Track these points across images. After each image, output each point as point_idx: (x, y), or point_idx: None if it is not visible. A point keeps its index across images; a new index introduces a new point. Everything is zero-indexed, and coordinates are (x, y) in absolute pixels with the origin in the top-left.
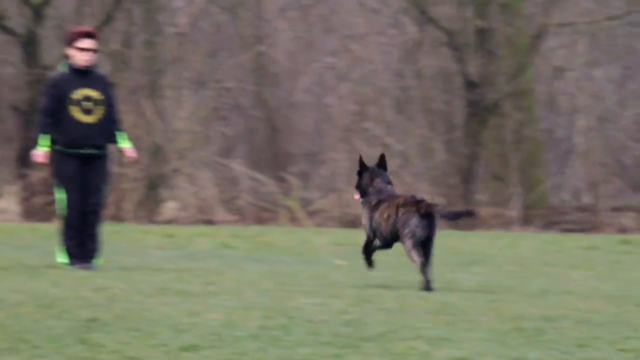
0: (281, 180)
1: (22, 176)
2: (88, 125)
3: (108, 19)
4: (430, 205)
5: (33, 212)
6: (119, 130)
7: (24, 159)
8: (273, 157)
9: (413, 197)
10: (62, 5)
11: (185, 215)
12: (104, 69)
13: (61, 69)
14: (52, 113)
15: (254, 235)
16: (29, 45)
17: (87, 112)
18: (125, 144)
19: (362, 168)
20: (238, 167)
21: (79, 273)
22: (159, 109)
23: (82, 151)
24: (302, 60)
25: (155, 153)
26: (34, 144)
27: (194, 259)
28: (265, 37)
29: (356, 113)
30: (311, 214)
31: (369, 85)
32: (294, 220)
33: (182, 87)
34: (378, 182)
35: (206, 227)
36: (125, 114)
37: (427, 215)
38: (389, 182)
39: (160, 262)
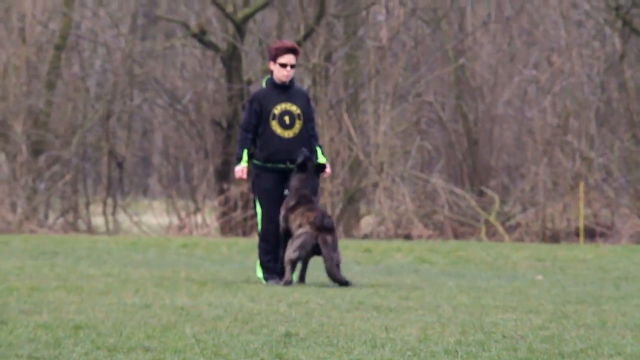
0: (480, 194)
1: (221, 191)
2: (287, 140)
3: (309, 34)
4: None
5: (231, 227)
6: (317, 145)
7: (223, 174)
8: (472, 171)
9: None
10: (264, 20)
11: (383, 229)
12: (305, 83)
13: (264, 84)
14: (253, 128)
15: (451, 249)
16: (231, 60)
17: (287, 126)
18: (321, 160)
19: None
20: (437, 181)
21: (276, 288)
22: (358, 123)
23: (280, 166)
24: (503, 73)
25: (354, 167)
26: (233, 158)
27: (390, 273)
28: (467, 50)
29: (558, 126)
30: (510, 229)
31: (571, 98)
32: (492, 234)
33: (381, 101)
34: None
35: (403, 241)
36: (325, 128)
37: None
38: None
39: (357, 276)
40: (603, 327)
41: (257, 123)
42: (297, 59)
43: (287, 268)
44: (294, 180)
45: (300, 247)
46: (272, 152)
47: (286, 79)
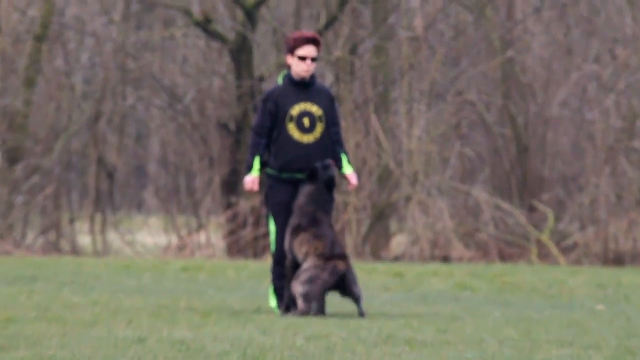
0: (531, 209)
1: (229, 205)
2: (306, 145)
3: (331, 22)
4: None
5: (240, 248)
6: (341, 151)
7: (231, 186)
8: (522, 183)
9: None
10: (278, 6)
11: (417, 250)
12: (326, 80)
13: (280, 80)
14: (267, 132)
15: (497, 274)
16: (240, 52)
17: (306, 130)
18: (347, 169)
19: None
20: (480, 194)
21: (291, 319)
22: (388, 126)
23: (298, 176)
24: (558, 69)
25: (383, 178)
26: (243, 168)
27: (426, 302)
28: (516, 41)
29: (622, 130)
30: (566, 250)
31: (639, 96)
32: (545, 256)
33: (416, 101)
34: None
35: (441, 264)
36: (350, 132)
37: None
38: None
39: (386, 305)
40: None
41: (271, 126)
42: (318, 51)
43: (299, 300)
44: (300, 196)
45: (309, 280)
46: (289, 159)
47: (306, 74)
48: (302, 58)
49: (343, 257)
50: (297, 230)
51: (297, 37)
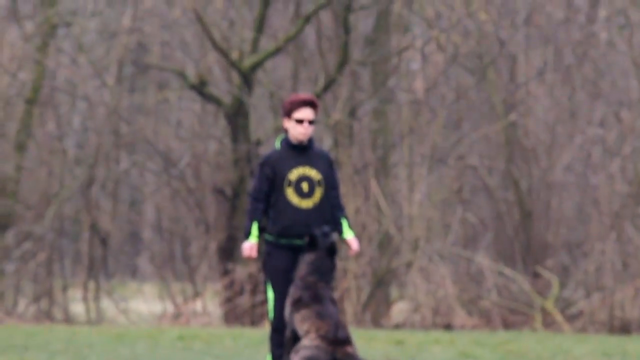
0: (535, 276)
1: (225, 272)
2: (305, 211)
3: (330, 84)
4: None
5: (237, 315)
6: (342, 216)
7: (227, 252)
8: (525, 249)
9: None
10: (275, 69)
11: (418, 318)
12: (325, 144)
13: (277, 144)
14: (264, 197)
15: (501, 342)
16: (237, 116)
17: (305, 195)
18: (348, 234)
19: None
20: (483, 260)
21: None
22: (389, 191)
23: (297, 242)
24: (562, 132)
25: (384, 244)
26: (240, 233)
27: None
28: (519, 104)
29: (628, 195)
30: (572, 318)
31: None
32: (550, 324)
33: (417, 165)
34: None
35: (443, 332)
36: (349, 197)
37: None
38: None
39: None
40: None
41: (269, 191)
42: (316, 114)
43: None
44: (301, 265)
45: (309, 359)
46: (287, 225)
47: (304, 138)
48: (300, 121)
49: (347, 342)
50: (298, 304)
51: (294, 100)
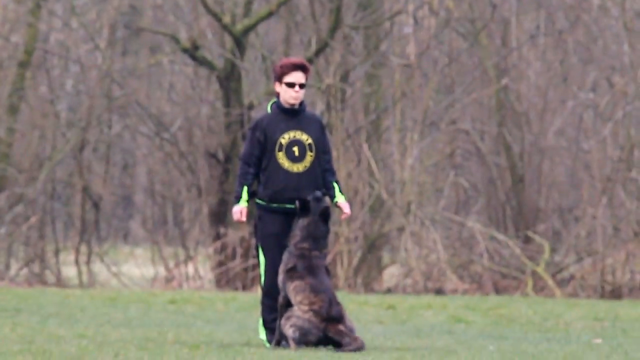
0: (527, 241)
1: (217, 236)
2: (296, 175)
3: (322, 49)
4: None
5: (229, 279)
6: (333, 180)
7: (219, 216)
8: (517, 214)
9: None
10: (268, 33)
11: (410, 282)
12: (317, 108)
13: (269, 108)
14: (255, 161)
15: (492, 307)
16: (229, 80)
17: (296, 159)
18: (339, 198)
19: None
20: (474, 225)
21: (282, 352)
22: (381, 155)
23: (288, 206)
24: (554, 97)
25: (375, 208)
26: (231, 197)
27: (419, 335)
28: (511, 68)
29: (620, 160)
30: (562, 282)
31: (636, 126)
32: (541, 289)
33: (408, 129)
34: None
35: (434, 297)
36: (342, 161)
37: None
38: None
39: (378, 339)
40: None
41: (260, 155)
42: (306, 78)
43: (290, 341)
44: (295, 230)
45: (300, 330)
46: (278, 189)
47: (295, 102)
48: (291, 85)
49: (340, 319)
50: (292, 273)
51: (285, 64)
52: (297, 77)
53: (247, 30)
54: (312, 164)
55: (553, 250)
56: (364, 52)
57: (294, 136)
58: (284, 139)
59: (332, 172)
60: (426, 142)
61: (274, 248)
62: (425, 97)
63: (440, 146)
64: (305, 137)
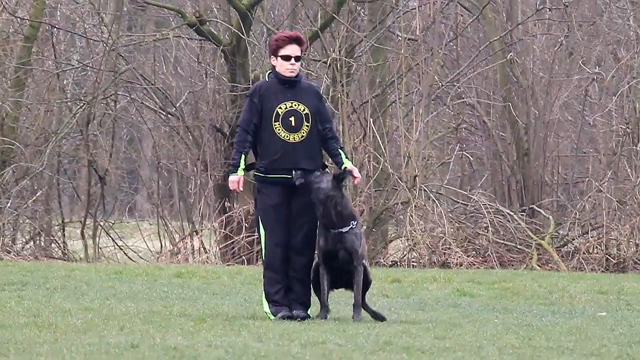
0: (532, 214)
1: (223, 210)
2: (293, 145)
3: (328, 23)
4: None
5: (234, 253)
6: (338, 147)
7: (225, 190)
8: (522, 187)
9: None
10: (273, 7)
11: (415, 256)
12: (322, 82)
13: (266, 77)
14: (254, 128)
15: (497, 280)
16: (235, 54)
17: (292, 129)
18: (348, 163)
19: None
20: (480, 198)
21: (286, 325)
22: (386, 129)
23: (285, 176)
24: (560, 71)
25: (381, 182)
26: (230, 166)
27: (424, 308)
28: (517, 42)
29: (625, 133)
30: (567, 256)
31: None
32: (546, 262)
33: (414, 104)
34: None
35: (439, 270)
36: (347, 135)
37: None
38: None
39: (384, 311)
40: None
41: (258, 123)
42: (302, 51)
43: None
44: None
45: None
46: (275, 159)
47: (291, 74)
48: (286, 58)
49: None
50: None
51: (280, 38)
52: (292, 49)
53: (253, 4)
54: (309, 134)
55: (558, 224)
56: (370, 27)
57: (291, 106)
58: (281, 109)
59: (336, 139)
60: (431, 117)
61: (274, 220)
62: (430, 71)
63: (445, 120)
64: (302, 108)
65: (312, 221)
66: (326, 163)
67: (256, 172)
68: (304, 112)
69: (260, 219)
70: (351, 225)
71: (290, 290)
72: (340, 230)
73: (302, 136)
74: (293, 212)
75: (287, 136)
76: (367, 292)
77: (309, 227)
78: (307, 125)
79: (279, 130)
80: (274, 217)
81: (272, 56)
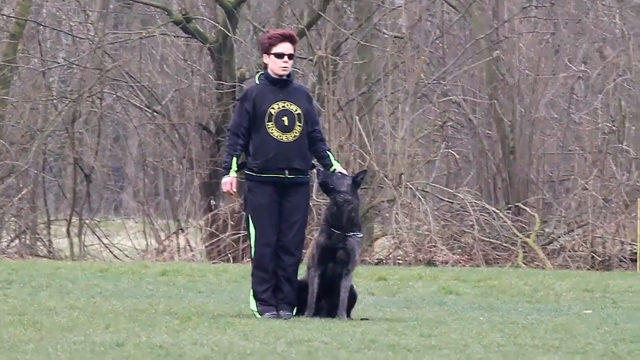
0: (517, 212)
1: (209, 208)
2: (286, 144)
3: (314, 21)
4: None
5: (220, 251)
6: (326, 149)
7: (211, 188)
8: (508, 185)
9: None
10: (260, 5)
11: (401, 254)
12: (308, 80)
13: (257, 79)
14: (244, 131)
15: (482, 278)
16: (221, 52)
17: (285, 129)
18: (337, 165)
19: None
20: (465, 196)
21: (272, 323)
22: (372, 127)
23: (279, 176)
24: (546, 69)
25: (366, 180)
26: (222, 169)
27: (410, 306)
28: (503, 40)
29: (611, 131)
30: (553, 254)
31: (628, 98)
32: (531, 260)
33: (400, 102)
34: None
35: (425, 268)
36: (333, 133)
37: None
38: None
39: (369, 310)
40: None
41: (249, 126)
42: (294, 49)
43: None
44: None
45: None
46: (269, 159)
47: (284, 72)
48: (279, 55)
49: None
50: None
51: (273, 35)
52: (285, 47)
53: (239, 2)
54: (301, 134)
55: (544, 222)
56: (356, 24)
57: (283, 106)
58: (274, 109)
59: (324, 141)
60: (417, 114)
61: (265, 219)
62: (416, 69)
63: (431, 118)
64: (294, 108)
65: (303, 220)
66: (314, 163)
67: (248, 171)
68: (297, 113)
69: (250, 217)
70: (356, 233)
71: (279, 290)
72: (345, 233)
73: (295, 136)
74: (284, 211)
75: (280, 136)
76: (352, 309)
77: (299, 226)
78: (299, 125)
79: (272, 130)
80: (264, 216)
81: (264, 54)
